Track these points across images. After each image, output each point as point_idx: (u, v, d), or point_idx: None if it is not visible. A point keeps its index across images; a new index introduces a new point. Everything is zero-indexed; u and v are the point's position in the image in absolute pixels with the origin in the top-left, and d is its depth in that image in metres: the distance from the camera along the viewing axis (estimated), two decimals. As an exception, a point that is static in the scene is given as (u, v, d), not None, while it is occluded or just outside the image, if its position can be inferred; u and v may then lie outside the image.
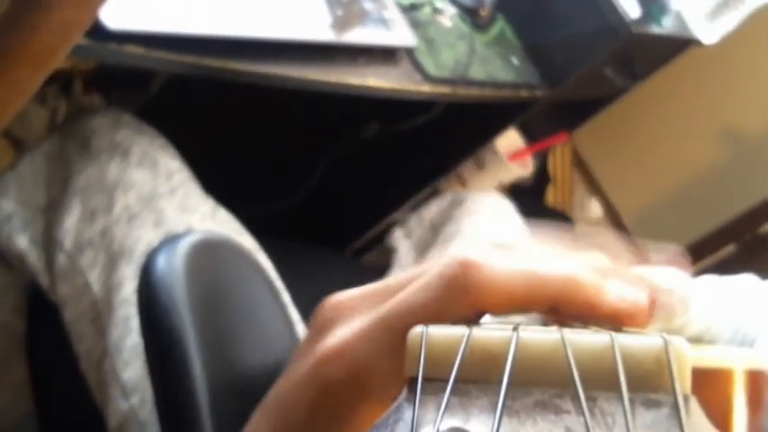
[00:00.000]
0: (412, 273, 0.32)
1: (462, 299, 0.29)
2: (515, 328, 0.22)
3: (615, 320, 0.29)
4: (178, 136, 1.06)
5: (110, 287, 0.91)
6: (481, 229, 1.43)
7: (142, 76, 1.34)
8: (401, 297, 0.31)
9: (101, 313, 0.91)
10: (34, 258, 0.96)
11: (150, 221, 0.95)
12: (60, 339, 0.93)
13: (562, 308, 0.29)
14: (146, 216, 0.95)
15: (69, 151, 0.99)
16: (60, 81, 1.25)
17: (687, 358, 0.20)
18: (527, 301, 0.29)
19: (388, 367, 0.30)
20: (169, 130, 1.06)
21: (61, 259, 0.94)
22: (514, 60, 1.41)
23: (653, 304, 0.31)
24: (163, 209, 0.97)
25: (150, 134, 1.03)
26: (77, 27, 0.60)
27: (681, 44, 1.62)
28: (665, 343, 0.20)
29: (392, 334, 0.30)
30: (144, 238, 0.94)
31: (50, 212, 0.97)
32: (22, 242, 0.97)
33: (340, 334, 0.32)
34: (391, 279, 0.33)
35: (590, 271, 0.29)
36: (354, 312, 0.32)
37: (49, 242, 0.96)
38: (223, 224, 1.03)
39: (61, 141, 1.01)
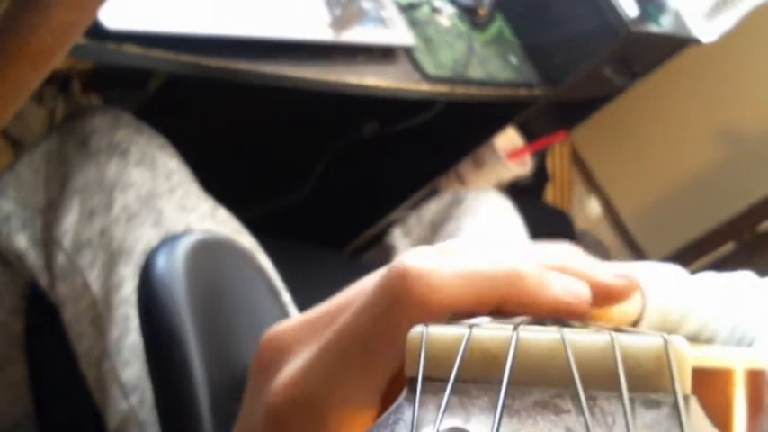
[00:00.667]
0: (350, 292, 0.31)
1: (405, 311, 0.28)
2: (515, 328, 0.22)
3: (559, 314, 0.28)
4: (176, 135, 1.06)
5: (109, 287, 0.91)
6: (480, 227, 1.43)
7: (140, 75, 1.34)
8: (343, 320, 0.29)
9: (100, 313, 0.91)
10: (33, 258, 0.96)
11: (149, 221, 0.95)
12: (60, 339, 0.93)
13: (507, 304, 0.28)
14: (145, 216, 0.95)
15: (68, 151, 0.99)
16: (58, 81, 1.25)
17: (687, 358, 0.20)
18: (473, 303, 0.28)
19: (342, 392, 0.29)
20: (167, 129, 1.06)
21: (60, 259, 0.94)
22: (513, 59, 1.41)
23: (604, 294, 0.30)
24: (162, 208, 0.97)
25: (149, 134, 1.03)
26: (76, 27, 0.60)
27: (679, 43, 1.62)
28: (665, 343, 0.20)
29: (339, 358, 0.29)
30: (143, 237, 0.94)
31: (49, 212, 0.97)
32: (21, 242, 0.97)
33: (287, 372, 0.30)
34: (331, 302, 0.32)
35: (534, 264, 0.29)
36: (297, 345, 0.31)
37: (47, 242, 0.96)
38: (222, 223, 1.03)
39: (60, 141, 1.01)
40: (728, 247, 2.11)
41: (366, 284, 0.31)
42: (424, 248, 0.30)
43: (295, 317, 0.33)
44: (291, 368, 0.30)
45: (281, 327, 0.32)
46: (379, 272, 0.30)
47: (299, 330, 0.32)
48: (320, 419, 0.29)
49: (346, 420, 0.29)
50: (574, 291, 0.29)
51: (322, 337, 0.30)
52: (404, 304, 0.28)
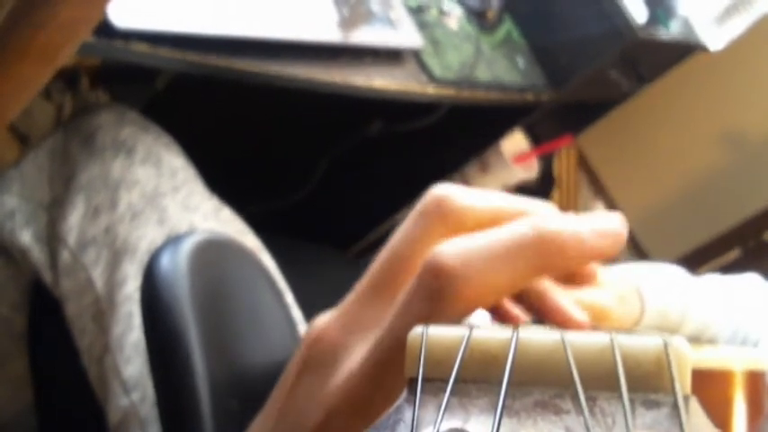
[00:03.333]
0: (383, 267, 0.31)
1: (445, 309, 0.28)
2: (515, 329, 0.22)
3: (598, 258, 0.29)
4: (182, 133, 1.06)
5: (112, 284, 0.92)
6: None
7: (148, 72, 1.34)
8: (390, 325, 0.29)
9: (103, 310, 0.91)
10: (37, 254, 0.97)
11: (153, 219, 0.95)
12: (62, 335, 0.94)
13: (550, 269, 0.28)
14: (149, 214, 0.95)
15: (73, 148, 0.99)
16: (66, 76, 1.25)
17: (687, 358, 0.20)
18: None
19: (387, 392, 0.29)
20: (174, 125, 1.06)
21: (65, 256, 0.94)
22: (520, 63, 1.41)
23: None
24: (166, 207, 0.97)
25: (155, 132, 1.03)
26: (84, 24, 0.60)
27: (687, 49, 1.62)
28: (666, 343, 0.20)
29: (389, 366, 0.29)
30: (147, 235, 0.94)
31: (54, 209, 0.98)
32: (26, 238, 0.97)
33: (343, 375, 0.30)
34: (366, 285, 0.32)
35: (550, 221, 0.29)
36: (350, 342, 0.31)
37: (52, 238, 0.96)
38: (226, 223, 1.03)
39: (65, 138, 1.01)
40: (734, 254, 2.11)
41: (399, 256, 0.31)
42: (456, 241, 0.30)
43: (336, 310, 0.32)
44: (346, 371, 0.30)
45: (325, 322, 0.32)
46: (407, 230, 0.31)
47: (349, 326, 0.31)
48: (364, 422, 0.29)
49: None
50: (606, 230, 0.29)
51: (371, 337, 0.30)
52: (445, 305, 0.28)
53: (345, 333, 0.31)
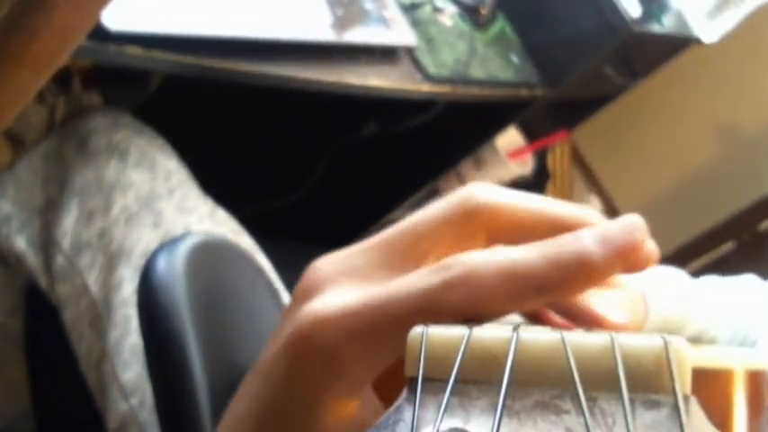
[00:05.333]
0: (398, 238, 0.30)
1: (451, 314, 0.27)
2: (515, 328, 0.22)
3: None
4: (177, 135, 1.06)
5: (108, 288, 0.91)
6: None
7: (141, 73, 1.34)
8: (391, 290, 0.28)
9: (100, 314, 0.91)
10: (32, 259, 0.96)
11: (148, 222, 0.95)
12: (59, 340, 0.93)
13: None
14: (144, 217, 0.95)
15: (67, 152, 0.99)
16: (59, 79, 1.25)
17: (687, 358, 0.20)
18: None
19: (358, 357, 0.28)
20: (168, 127, 1.06)
21: (60, 260, 0.94)
22: (514, 59, 1.41)
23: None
24: (161, 210, 0.97)
25: (149, 135, 1.03)
26: (79, 30, 0.60)
27: (681, 43, 1.62)
28: (666, 343, 0.20)
29: (371, 329, 0.28)
30: (142, 239, 0.94)
31: (48, 213, 0.97)
32: (21, 243, 0.97)
33: (321, 303, 0.29)
34: (377, 243, 0.30)
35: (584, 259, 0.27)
36: (338, 278, 0.30)
37: (47, 243, 0.96)
38: (221, 224, 1.03)
39: (59, 142, 1.01)
40: (728, 246, 2.11)
41: (417, 237, 0.30)
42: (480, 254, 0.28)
43: (336, 253, 0.31)
44: (325, 302, 0.29)
45: (328, 256, 0.31)
46: (439, 206, 0.30)
47: (345, 262, 0.30)
48: (331, 366, 0.28)
49: (355, 386, 0.28)
50: (628, 245, 0.27)
51: (363, 287, 0.29)
52: (450, 309, 0.27)
53: (337, 271, 0.30)
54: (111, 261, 0.92)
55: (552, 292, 0.27)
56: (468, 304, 0.27)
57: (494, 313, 0.27)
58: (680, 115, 2.17)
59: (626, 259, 0.27)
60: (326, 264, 0.31)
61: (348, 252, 0.31)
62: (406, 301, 0.27)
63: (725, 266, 2.03)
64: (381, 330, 0.27)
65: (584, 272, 0.27)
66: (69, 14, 0.56)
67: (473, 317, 0.27)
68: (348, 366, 0.28)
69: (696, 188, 2.18)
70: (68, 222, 0.95)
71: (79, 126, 1.00)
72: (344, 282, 0.30)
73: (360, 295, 0.28)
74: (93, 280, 0.92)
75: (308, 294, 0.30)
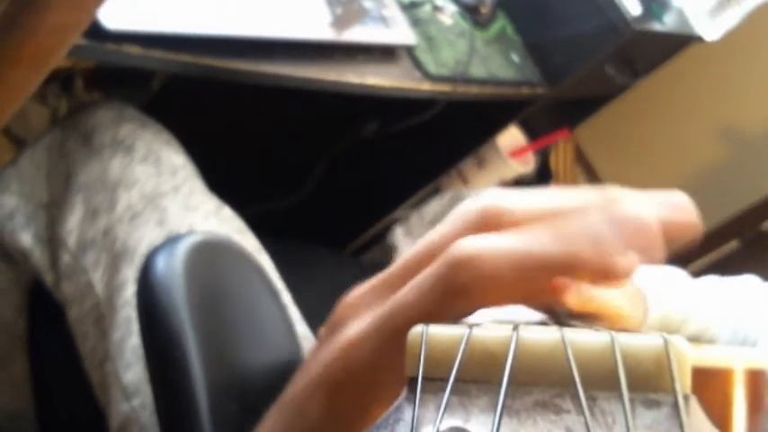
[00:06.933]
0: (414, 254, 0.31)
1: (456, 301, 0.28)
2: (515, 328, 0.22)
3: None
4: (178, 134, 1.06)
5: (112, 288, 0.91)
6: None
7: (143, 74, 1.34)
8: (398, 297, 0.30)
9: (103, 314, 0.91)
10: (38, 255, 0.96)
11: (153, 220, 0.94)
12: (63, 338, 0.93)
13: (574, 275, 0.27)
14: (149, 215, 0.94)
15: (71, 145, 0.98)
16: (61, 80, 1.25)
17: (687, 358, 0.20)
18: (527, 293, 0.28)
19: (390, 367, 0.29)
20: (170, 127, 1.05)
21: (65, 258, 0.93)
22: (515, 58, 1.40)
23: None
24: (166, 207, 0.95)
25: (154, 128, 1.01)
26: (75, 28, 0.60)
27: (682, 41, 1.62)
28: (666, 343, 0.20)
29: (390, 333, 0.29)
30: (146, 237, 0.93)
31: (53, 208, 0.97)
32: (26, 239, 0.96)
33: (348, 333, 0.31)
34: (395, 267, 0.32)
35: (592, 238, 0.27)
36: (363, 309, 0.32)
37: (52, 240, 0.95)
38: (226, 222, 1.02)
39: (62, 135, 0.99)
40: (731, 246, 2.11)
41: (431, 246, 0.30)
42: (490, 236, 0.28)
43: (369, 281, 0.33)
44: (353, 329, 0.31)
45: (357, 289, 0.33)
46: (446, 226, 0.30)
47: (368, 294, 0.32)
48: (370, 386, 0.30)
49: (394, 392, 0.29)
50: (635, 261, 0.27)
51: (380, 307, 0.30)
52: (452, 294, 0.27)
53: (365, 297, 0.32)
54: (116, 260, 0.92)
55: (559, 269, 0.27)
56: (476, 286, 0.27)
57: (501, 296, 0.27)
58: (683, 114, 2.17)
59: (634, 243, 0.27)
60: (350, 298, 0.33)
61: (369, 284, 0.33)
62: (415, 307, 0.29)
63: (728, 266, 2.03)
64: (393, 341, 0.29)
65: (591, 247, 0.26)
66: (65, 13, 0.56)
67: (482, 303, 0.27)
68: (383, 382, 0.30)
69: (699, 187, 2.18)
70: (74, 220, 0.94)
71: (83, 120, 0.99)
72: (363, 312, 0.31)
73: (371, 317, 0.30)
74: (98, 279, 0.92)
75: (338, 327, 0.32)
